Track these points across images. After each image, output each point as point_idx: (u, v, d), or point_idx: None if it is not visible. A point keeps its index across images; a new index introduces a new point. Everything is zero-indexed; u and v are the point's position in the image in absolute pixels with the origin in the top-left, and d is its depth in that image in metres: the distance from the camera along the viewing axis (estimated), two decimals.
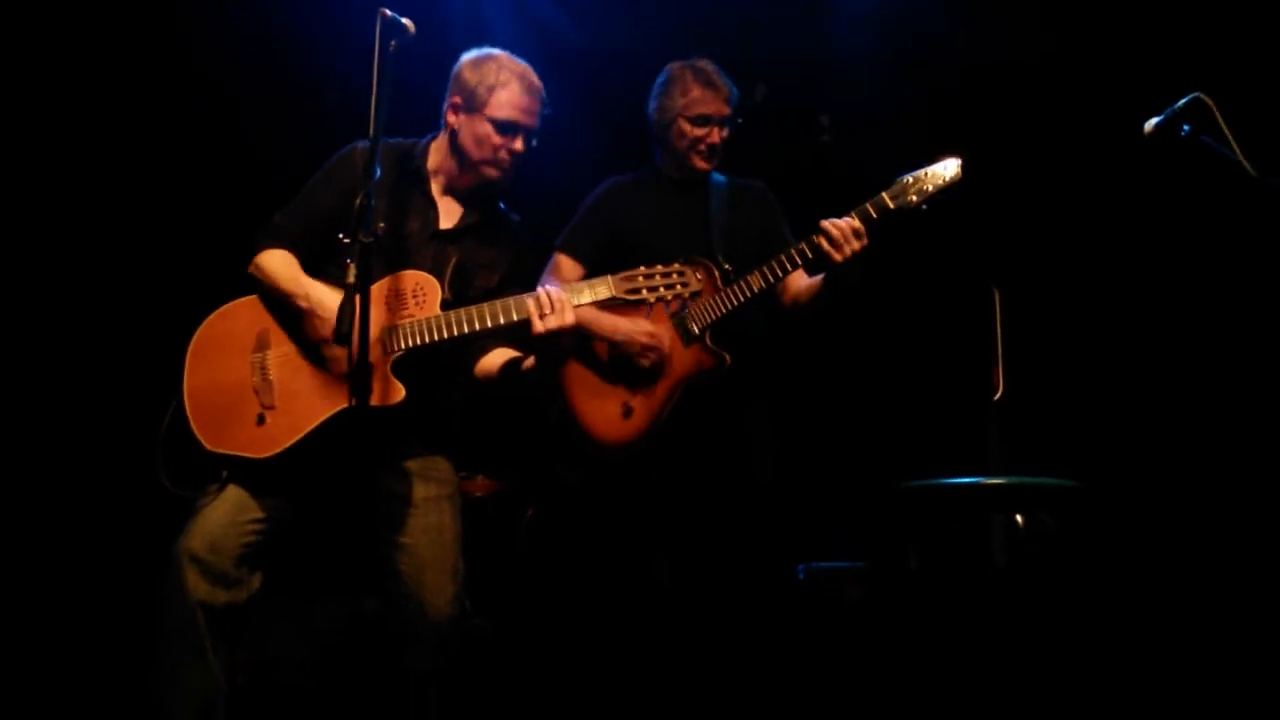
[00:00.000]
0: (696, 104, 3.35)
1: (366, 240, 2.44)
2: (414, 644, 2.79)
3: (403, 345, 2.73)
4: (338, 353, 2.73)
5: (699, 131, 3.36)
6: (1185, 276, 4.47)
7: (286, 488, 2.78)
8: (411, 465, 2.87)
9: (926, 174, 3.09)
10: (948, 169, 3.09)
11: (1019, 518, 3.58)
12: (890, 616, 3.57)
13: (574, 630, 4.23)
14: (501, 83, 2.84)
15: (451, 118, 2.91)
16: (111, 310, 4.29)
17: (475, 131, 2.87)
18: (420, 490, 2.85)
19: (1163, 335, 4.45)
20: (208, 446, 2.76)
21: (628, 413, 3.30)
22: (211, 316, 2.88)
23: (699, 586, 3.37)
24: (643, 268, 2.73)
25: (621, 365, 3.32)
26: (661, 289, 2.70)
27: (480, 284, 2.93)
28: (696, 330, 3.28)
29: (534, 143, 2.91)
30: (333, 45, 4.31)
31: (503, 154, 2.88)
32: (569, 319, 2.68)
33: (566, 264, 3.44)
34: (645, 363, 3.28)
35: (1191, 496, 4.27)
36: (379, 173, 2.56)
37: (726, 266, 3.30)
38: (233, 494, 2.76)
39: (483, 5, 4.66)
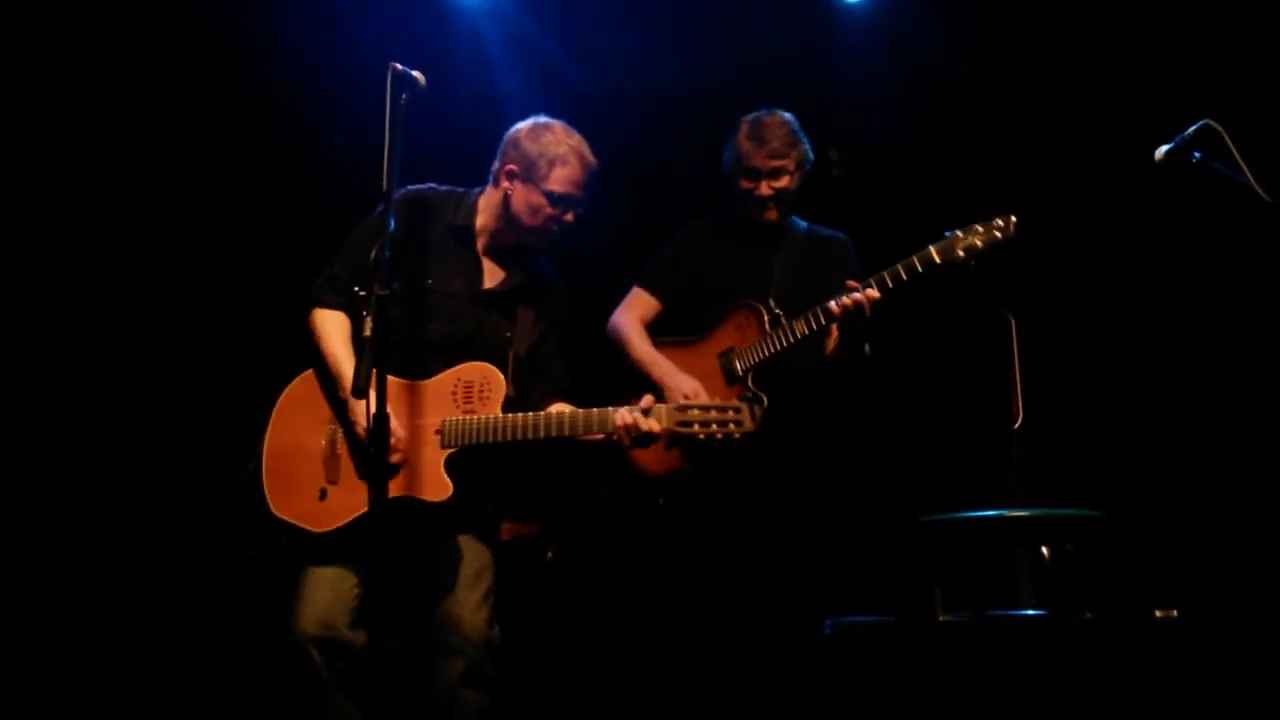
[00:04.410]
0: (743, 159, 3.43)
1: (382, 293, 2.46)
2: (450, 659, 2.84)
3: (461, 442, 2.78)
4: (394, 441, 2.75)
5: (748, 185, 3.43)
6: (1202, 300, 4.45)
7: (354, 551, 2.83)
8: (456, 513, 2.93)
9: (978, 230, 3.09)
10: (1002, 226, 3.08)
11: (1044, 550, 3.55)
12: (919, 672, 3.53)
13: (596, 674, 4.22)
14: (561, 158, 2.91)
15: (505, 183, 2.97)
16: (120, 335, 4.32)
17: (530, 201, 2.93)
18: (461, 523, 2.93)
19: (1180, 359, 4.42)
20: (273, 511, 2.83)
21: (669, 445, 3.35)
22: (301, 375, 2.94)
23: (727, 625, 3.38)
24: (699, 403, 2.76)
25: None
26: (714, 425, 2.72)
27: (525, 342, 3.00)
28: (740, 371, 3.32)
29: (580, 211, 2.98)
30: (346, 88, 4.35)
31: (553, 224, 2.96)
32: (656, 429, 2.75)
33: (642, 300, 3.55)
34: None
35: (1215, 520, 4.23)
36: (392, 225, 2.57)
37: (777, 311, 3.34)
38: (332, 566, 2.81)
39: (489, 50, 4.70)
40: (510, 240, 3.00)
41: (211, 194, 4.41)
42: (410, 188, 2.99)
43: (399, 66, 2.61)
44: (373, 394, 2.43)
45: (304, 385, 2.92)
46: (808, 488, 3.45)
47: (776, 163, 3.40)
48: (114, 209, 4.33)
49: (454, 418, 2.80)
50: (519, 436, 2.77)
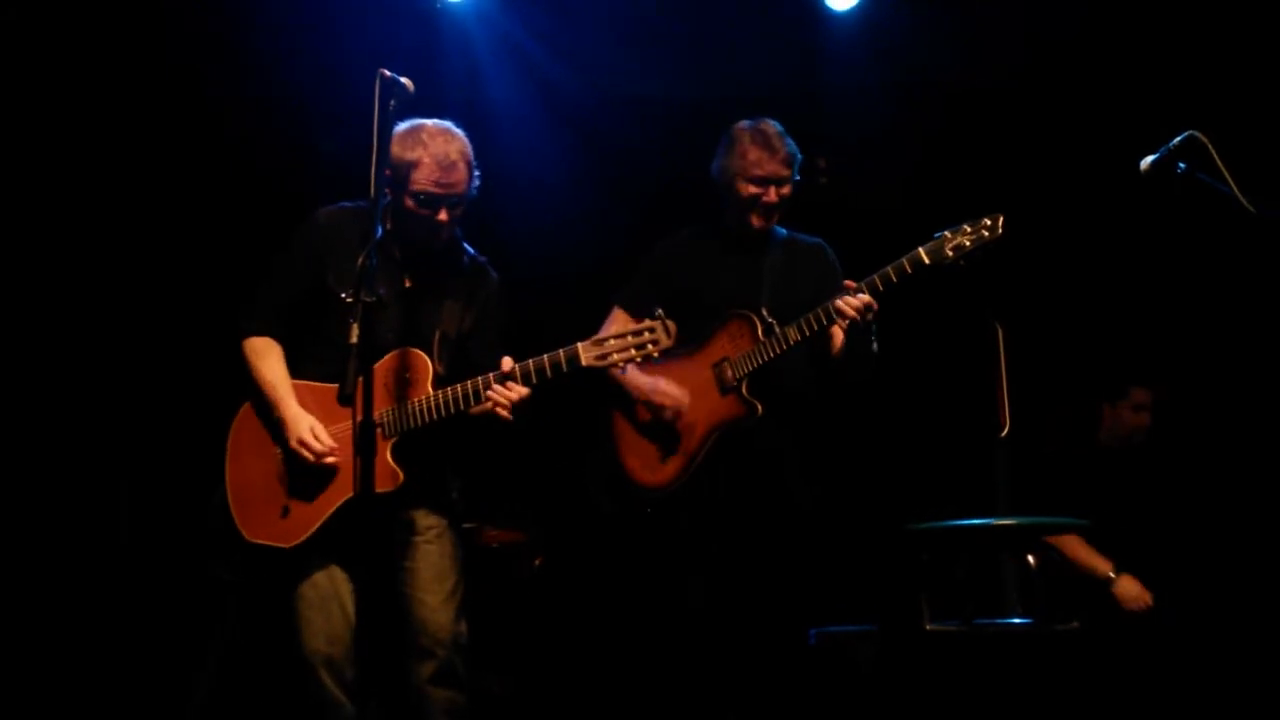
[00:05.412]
0: (753, 166, 3.41)
1: (369, 300, 2.48)
2: (419, 661, 2.92)
3: (400, 429, 2.88)
4: (340, 437, 2.85)
5: (755, 191, 3.43)
6: (1188, 308, 4.47)
7: (339, 558, 2.92)
8: (418, 499, 2.99)
9: (966, 230, 3.10)
10: (990, 226, 3.09)
11: (1031, 558, 3.56)
12: (905, 681, 3.54)
13: (583, 681, 4.22)
14: (415, 161, 2.90)
15: (388, 190, 2.96)
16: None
17: (405, 204, 2.95)
18: (424, 520, 3.00)
19: (1168, 367, 4.44)
20: (247, 538, 2.94)
21: (664, 457, 3.39)
22: (240, 411, 3.02)
23: (713, 633, 3.39)
24: (614, 329, 2.89)
25: (660, 414, 3.42)
26: (632, 350, 2.81)
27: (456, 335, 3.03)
28: (734, 380, 3.33)
29: (461, 208, 2.98)
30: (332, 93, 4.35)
31: (431, 225, 2.97)
32: (521, 394, 2.86)
33: (622, 319, 3.51)
34: (667, 416, 3.39)
35: (1202, 528, 4.24)
36: (380, 231, 2.61)
37: (770, 320, 3.35)
38: (319, 583, 2.92)
39: (478, 56, 4.70)
40: (414, 240, 3.02)
41: (203, 198, 4.40)
42: (323, 210, 3.05)
43: (388, 72, 2.60)
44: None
45: (245, 418, 3.02)
46: (800, 495, 3.46)
47: (788, 170, 3.43)
48: (104, 217, 4.33)
49: (389, 408, 2.88)
50: (450, 411, 2.86)
